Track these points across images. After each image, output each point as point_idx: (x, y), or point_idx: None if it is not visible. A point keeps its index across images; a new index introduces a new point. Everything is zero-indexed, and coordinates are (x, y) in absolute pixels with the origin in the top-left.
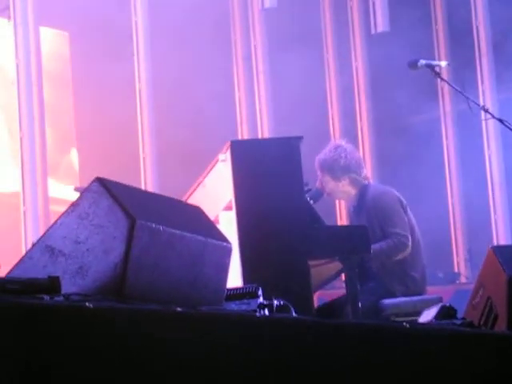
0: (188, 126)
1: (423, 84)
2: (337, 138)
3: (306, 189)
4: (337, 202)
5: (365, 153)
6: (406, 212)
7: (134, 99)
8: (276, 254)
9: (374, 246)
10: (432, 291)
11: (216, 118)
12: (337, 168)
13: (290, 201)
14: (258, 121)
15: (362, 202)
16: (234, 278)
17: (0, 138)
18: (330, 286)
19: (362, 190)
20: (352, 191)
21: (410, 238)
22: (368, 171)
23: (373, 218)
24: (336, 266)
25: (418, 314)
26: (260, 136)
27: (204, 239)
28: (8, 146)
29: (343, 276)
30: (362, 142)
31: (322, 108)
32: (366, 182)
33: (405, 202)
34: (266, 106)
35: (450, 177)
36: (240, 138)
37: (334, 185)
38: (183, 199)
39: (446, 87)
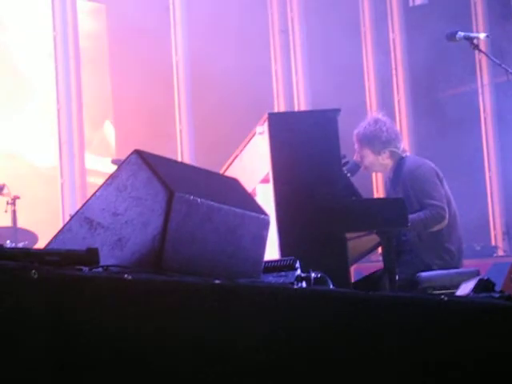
0: (224, 99)
1: (461, 56)
2: (373, 111)
3: (343, 161)
4: (373, 175)
5: (402, 126)
6: (442, 184)
7: (171, 72)
8: (313, 226)
9: (412, 216)
10: (469, 264)
11: (252, 90)
12: (378, 142)
13: (327, 173)
14: (295, 93)
15: (399, 174)
16: (272, 251)
17: (36, 112)
18: (366, 259)
19: (399, 163)
20: (390, 164)
21: (446, 209)
22: (405, 144)
23: (409, 190)
24: (373, 239)
25: (456, 287)
26: (296, 109)
27: (241, 211)
28: (45, 120)
29: (380, 249)
30: (400, 114)
31: (358, 80)
32: (404, 154)
33: (441, 174)
34: (302, 78)
35: (487, 149)
36: (277, 110)
37: (373, 158)
38: (220, 172)
39: (485, 59)
